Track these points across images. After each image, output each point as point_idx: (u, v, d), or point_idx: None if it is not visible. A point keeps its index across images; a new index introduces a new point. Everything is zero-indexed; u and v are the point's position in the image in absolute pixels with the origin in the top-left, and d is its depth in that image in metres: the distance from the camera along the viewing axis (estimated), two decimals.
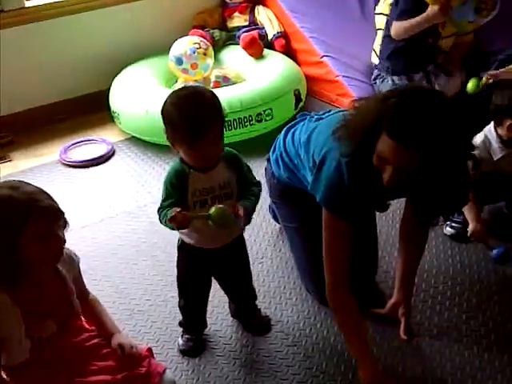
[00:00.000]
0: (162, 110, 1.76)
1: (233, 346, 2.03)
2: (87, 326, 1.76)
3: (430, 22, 2.84)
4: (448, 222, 2.47)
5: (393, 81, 3.09)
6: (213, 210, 1.72)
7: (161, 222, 1.78)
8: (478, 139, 2.38)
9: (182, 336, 2.04)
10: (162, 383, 1.72)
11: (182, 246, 1.92)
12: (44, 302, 1.59)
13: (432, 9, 2.79)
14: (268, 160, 2.33)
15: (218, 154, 1.78)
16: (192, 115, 1.69)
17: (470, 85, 2.75)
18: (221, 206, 1.73)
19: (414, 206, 1.89)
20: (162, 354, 1.99)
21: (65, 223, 1.59)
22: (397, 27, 2.93)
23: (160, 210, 1.77)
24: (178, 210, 1.70)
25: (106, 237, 2.61)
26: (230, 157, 1.84)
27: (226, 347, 2.03)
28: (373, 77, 3.40)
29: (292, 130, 2.20)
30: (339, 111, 2.16)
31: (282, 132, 2.26)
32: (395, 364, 1.94)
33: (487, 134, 2.38)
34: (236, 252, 1.97)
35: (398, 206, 2.39)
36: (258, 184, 1.90)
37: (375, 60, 3.39)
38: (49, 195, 1.55)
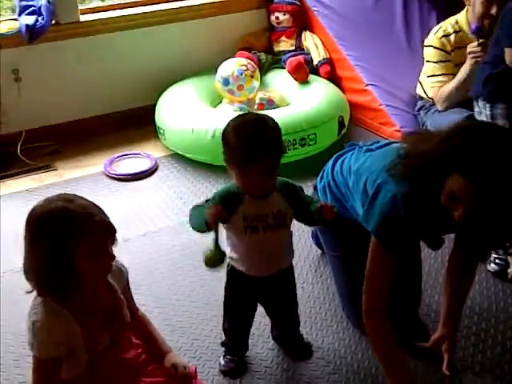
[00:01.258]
0: (224, 130, 1.80)
1: (273, 370, 2.04)
2: (135, 341, 1.79)
3: None
4: (492, 259, 2.45)
5: (490, 109, 2.95)
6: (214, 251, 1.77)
7: (190, 219, 1.80)
8: None
9: (224, 356, 2.05)
10: None
11: (232, 272, 1.93)
12: (98, 314, 1.61)
13: None
14: (315, 188, 2.34)
15: (271, 184, 1.80)
16: (247, 140, 1.72)
17: None
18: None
19: (464, 242, 1.89)
20: (203, 373, 2.00)
21: (114, 239, 1.60)
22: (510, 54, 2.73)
23: (195, 206, 1.79)
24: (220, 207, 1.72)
25: (148, 251, 2.64)
26: (283, 185, 1.85)
27: (266, 370, 2.04)
28: (417, 108, 3.42)
29: (341, 158, 2.21)
30: (390, 143, 2.17)
31: (331, 161, 2.27)
32: None
33: None
34: (284, 281, 1.98)
35: None
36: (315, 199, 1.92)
37: (420, 91, 3.40)
38: (102, 210, 1.57)
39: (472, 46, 2.98)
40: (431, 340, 2.03)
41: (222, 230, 1.85)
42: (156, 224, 2.83)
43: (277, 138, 1.76)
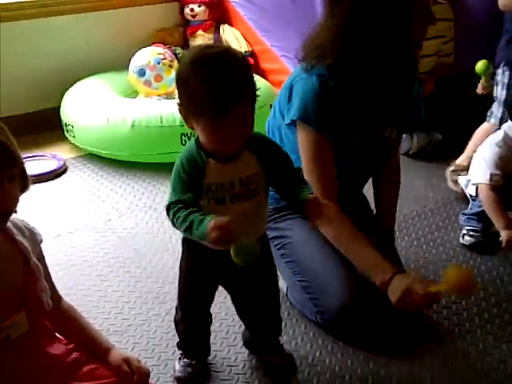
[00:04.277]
0: (180, 72, 1.35)
1: (248, 377, 1.61)
2: (58, 335, 1.34)
3: None
4: (465, 231, 2.19)
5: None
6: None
7: (174, 225, 1.34)
8: (498, 136, 2.16)
9: (180, 360, 1.62)
10: None
11: (190, 245, 1.48)
12: (7, 282, 1.17)
13: None
14: None
15: (246, 136, 1.36)
16: (220, 80, 1.28)
17: (480, 65, 2.51)
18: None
19: None
20: (152, 379, 1.54)
21: (24, 180, 1.21)
22: None
23: (174, 209, 1.32)
24: (225, 219, 1.25)
25: (65, 253, 2.16)
26: (255, 141, 1.40)
27: (239, 378, 1.61)
28: None
29: None
30: None
31: None
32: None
33: (507, 131, 2.15)
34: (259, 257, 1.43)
35: None
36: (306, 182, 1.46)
37: None
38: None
39: None
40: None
41: None
42: (72, 225, 2.36)
43: (251, 76, 1.35)
